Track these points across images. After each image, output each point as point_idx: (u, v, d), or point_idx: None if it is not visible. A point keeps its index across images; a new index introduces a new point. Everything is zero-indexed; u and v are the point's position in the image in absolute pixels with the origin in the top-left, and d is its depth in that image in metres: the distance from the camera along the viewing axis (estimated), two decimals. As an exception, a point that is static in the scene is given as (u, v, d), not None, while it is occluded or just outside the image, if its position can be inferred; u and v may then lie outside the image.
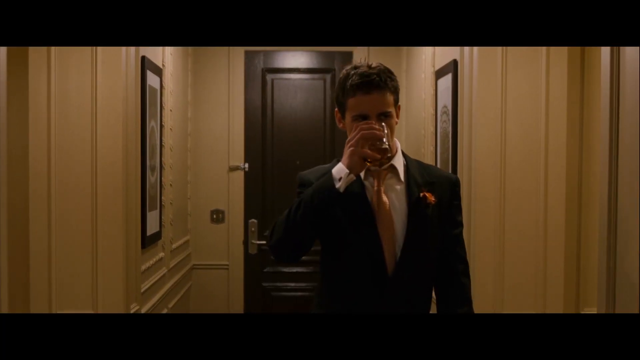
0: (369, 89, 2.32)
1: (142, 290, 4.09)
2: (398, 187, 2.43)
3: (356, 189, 2.39)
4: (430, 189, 2.43)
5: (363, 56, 6.13)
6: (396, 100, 2.39)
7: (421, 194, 2.40)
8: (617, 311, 1.75)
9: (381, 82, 2.32)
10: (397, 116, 2.40)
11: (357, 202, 2.39)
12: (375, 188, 2.42)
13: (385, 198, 2.40)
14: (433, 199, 2.40)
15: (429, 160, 4.80)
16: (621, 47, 1.89)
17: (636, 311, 1.59)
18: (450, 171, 4.12)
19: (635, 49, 1.78)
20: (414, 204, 2.40)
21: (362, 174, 2.41)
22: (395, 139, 2.42)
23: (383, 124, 2.32)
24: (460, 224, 2.54)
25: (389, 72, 2.38)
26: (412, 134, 5.54)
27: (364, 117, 2.34)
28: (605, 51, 2.00)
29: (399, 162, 2.46)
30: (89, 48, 3.44)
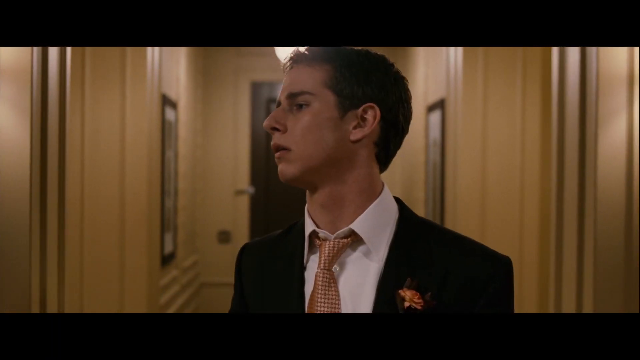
0: (291, 64, 1.39)
1: (160, 306, 4.52)
2: (367, 268, 1.34)
3: (285, 274, 1.40)
4: (425, 280, 1.29)
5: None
6: (343, 87, 1.34)
7: (399, 291, 1.29)
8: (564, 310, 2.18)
9: (307, 54, 1.37)
10: (368, 122, 1.34)
11: (279, 302, 1.38)
12: (318, 270, 1.35)
13: (334, 290, 1.33)
14: (420, 302, 1.27)
15: (419, 189, 5.25)
16: (566, 48, 2.30)
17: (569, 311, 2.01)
18: (439, 203, 4.56)
19: (575, 49, 2.21)
20: (385, 306, 1.30)
21: (305, 246, 1.39)
22: (381, 181, 1.39)
23: (278, 118, 1.36)
24: None
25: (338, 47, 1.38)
26: (407, 162, 6.00)
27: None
28: (554, 51, 2.41)
29: (371, 222, 1.35)
30: (118, 88, 3.89)
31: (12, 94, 2.16)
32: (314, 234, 1.38)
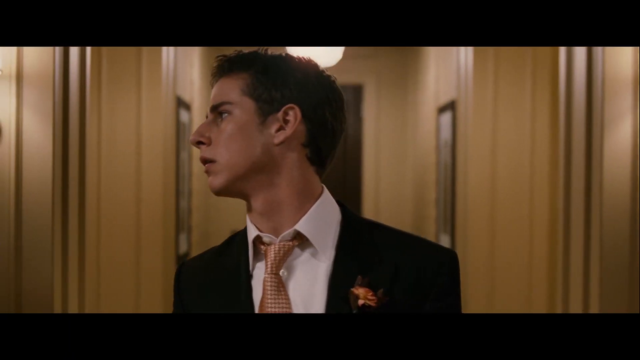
0: (215, 79, 1.39)
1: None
2: (316, 269, 1.34)
3: (231, 284, 1.37)
4: (376, 277, 1.30)
5: (373, 90, 6.66)
6: (260, 92, 1.34)
7: (351, 289, 1.29)
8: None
9: (226, 65, 1.37)
10: (290, 123, 1.34)
11: (227, 311, 1.35)
12: (265, 275, 1.33)
13: (284, 294, 1.32)
14: (373, 299, 1.28)
15: (430, 190, 5.29)
16: (573, 50, 2.34)
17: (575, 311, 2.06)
18: (450, 204, 4.60)
19: (582, 51, 2.25)
20: (339, 304, 1.30)
21: (250, 254, 1.37)
22: (320, 184, 1.38)
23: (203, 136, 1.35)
24: None
25: (255, 53, 1.38)
26: (418, 163, 6.05)
27: None
28: (562, 53, 2.45)
29: (315, 223, 1.34)
30: (134, 90, 3.96)
31: (35, 98, 2.23)
32: (257, 240, 1.35)
